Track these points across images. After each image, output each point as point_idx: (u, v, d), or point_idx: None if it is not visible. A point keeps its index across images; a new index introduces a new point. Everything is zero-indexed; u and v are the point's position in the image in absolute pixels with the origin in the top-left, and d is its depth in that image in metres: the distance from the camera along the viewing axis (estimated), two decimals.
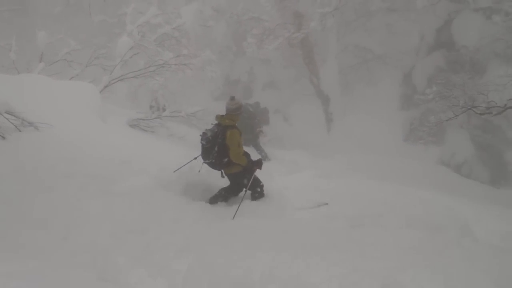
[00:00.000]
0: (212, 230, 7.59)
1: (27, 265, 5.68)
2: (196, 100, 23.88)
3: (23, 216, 6.93)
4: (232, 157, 9.57)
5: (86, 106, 11.88)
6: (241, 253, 6.64)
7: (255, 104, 23.74)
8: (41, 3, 32.18)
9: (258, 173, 10.03)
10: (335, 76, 27.17)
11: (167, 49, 16.27)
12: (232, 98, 9.89)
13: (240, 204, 9.23)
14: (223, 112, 9.82)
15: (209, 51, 17.51)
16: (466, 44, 23.09)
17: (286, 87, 30.21)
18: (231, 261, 6.43)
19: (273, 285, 6.06)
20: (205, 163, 9.73)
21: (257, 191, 10.02)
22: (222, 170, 9.87)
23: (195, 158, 10.31)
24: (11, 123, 8.98)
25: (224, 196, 9.97)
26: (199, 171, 10.10)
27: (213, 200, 9.81)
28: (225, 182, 10.09)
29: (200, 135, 9.64)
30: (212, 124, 9.84)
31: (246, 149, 10.24)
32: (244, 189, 9.68)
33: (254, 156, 10.82)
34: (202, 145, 9.55)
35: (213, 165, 9.70)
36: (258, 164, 9.95)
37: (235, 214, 8.88)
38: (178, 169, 10.08)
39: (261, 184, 10.11)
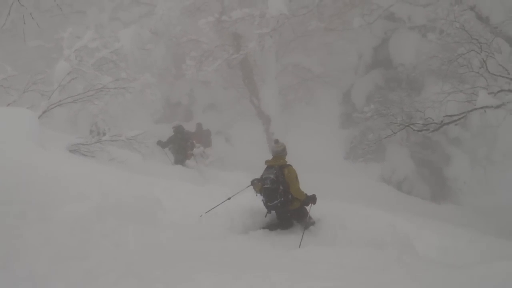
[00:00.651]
0: (155, 255, 7.53)
1: None
2: (137, 123, 23.74)
3: None
4: (294, 192, 10.35)
5: (24, 132, 11.69)
6: (182, 276, 6.61)
7: (197, 126, 23.78)
8: None
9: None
10: (275, 96, 27.34)
11: (106, 73, 16.14)
12: (277, 141, 11.04)
13: (304, 233, 9.84)
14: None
15: (149, 74, 17.48)
16: (403, 62, 23.54)
17: (227, 109, 30.36)
18: (172, 285, 6.40)
19: None
20: (271, 206, 10.37)
21: (307, 222, 10.51)
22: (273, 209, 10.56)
23: (229, 199, 10.87)
24: None
25: (275, 227, 10.56)
26: (265, 215, 10.73)
27: (272, 228, 10.51)
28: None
29: (255, 181, 10.68)
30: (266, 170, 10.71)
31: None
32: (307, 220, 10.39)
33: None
34: (266, 188, 10.26)
35: (281, 205, 10.33)
36: (313, 199, 10.53)
37: (300, 243, 9.50)
38: (209, 211, 10.50)
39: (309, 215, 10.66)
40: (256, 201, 10.87)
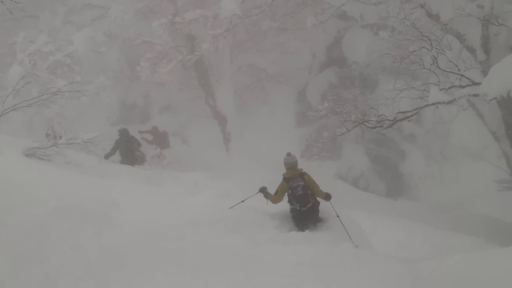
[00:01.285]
0: (113, 256, 7.55)
1: None
2: (93, 126, 23.64)
3: None
4: (318, 194, 11.48)
5: None
6: (139, 277, 6.65)
7: (153, 129, 23.73)
8: None
9: None
10: (231, 97, 27.38)
11: (60, 77, 16.02)
12: (289, 154, 11.91)
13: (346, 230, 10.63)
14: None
15: (103, 77, 17.36)
16: (356, 60, 23.75)
17: (183, 110, 30.30)
18: (129, 286, 6.44)
19: None
20: (305, 210, 11.27)
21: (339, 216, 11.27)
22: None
23: (243, 201, 11.52)
24: None
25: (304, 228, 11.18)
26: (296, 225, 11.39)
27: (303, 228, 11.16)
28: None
29: (290, 188, 11.39)
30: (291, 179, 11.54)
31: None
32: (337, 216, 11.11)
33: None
34: (300, 195, 11.25)
35: (312, 207, 11.39)
36: (330, 196, 11.50)
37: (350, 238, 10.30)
38: (233, 206, 11.26)
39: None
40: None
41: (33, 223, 8.06)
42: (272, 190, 11.66)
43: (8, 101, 14.94)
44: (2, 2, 8.20)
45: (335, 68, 25.85)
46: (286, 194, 11.57)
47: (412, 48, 14.91)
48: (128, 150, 19.06)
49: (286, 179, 11.61)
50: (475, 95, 13.64)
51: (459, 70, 14.35)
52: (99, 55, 25.41)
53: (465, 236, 13.46)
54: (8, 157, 11.99)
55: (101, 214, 9.43)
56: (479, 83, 13.30)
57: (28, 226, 7.93)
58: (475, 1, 15.67)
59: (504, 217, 19.69)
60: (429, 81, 15.91)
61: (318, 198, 11.52)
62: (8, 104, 14.94)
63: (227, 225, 10.22)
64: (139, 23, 25.98)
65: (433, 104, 13.91)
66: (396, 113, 14.49)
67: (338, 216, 11.10)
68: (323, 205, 11.55)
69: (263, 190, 11.79)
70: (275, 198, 11.69)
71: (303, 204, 11.29)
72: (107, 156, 18.33)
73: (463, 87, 14.06)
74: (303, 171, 11.80)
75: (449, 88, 14.50)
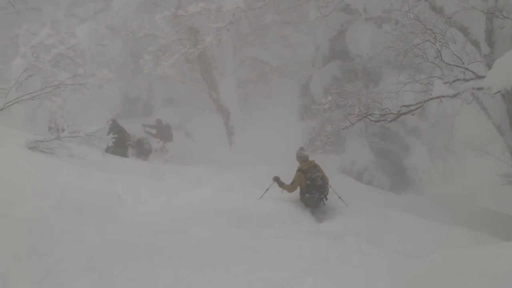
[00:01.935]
0: (116, 250, 7.54)
1: None
2: (96, 119, 23.61)
3: None
4: (328, 182, 13.11)
5: None
6: (143, 270, 6.64)
7: (156, 122, 23.73)
8: None
9: None
10: (234, 90, 27.36)
11: (63, 70, 15.98)
12: (302, 148, 13.38)
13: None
14: None
15: (106, 70, 17.31)
16: (359, 53, 23.66)
17: (186, 103, 30.28)
18: (132, 279, 6.43)
19: None
20: (323, 196, 12.86)
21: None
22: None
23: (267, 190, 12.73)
24: None
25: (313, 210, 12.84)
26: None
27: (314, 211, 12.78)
28: None
29: (309, 179, 12.68)
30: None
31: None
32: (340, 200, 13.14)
33: None
34: (320, 185, 12.69)
35: (325, 195, 12.95)
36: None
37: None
38: (262, 196, 12.35)
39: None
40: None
41: (36, 216, 8.05)
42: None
43: (11, 94, 14.91)
44: None
45: (338, 62, 25.76)
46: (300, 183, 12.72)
47: (416, 41, 14.82)
48: (120, 141, 19.05)
49: (303, 171, 12.76)
50: (479, 89, 13.56)
51: (463, 63, 14.28)
52: (102, 48, 25.40)
53: (469, 230, 13.39)
54: (11, 150, 11.98)
55: (104, 207, 9.43)
56: (483, 77, 13.23)
57: (31, 219, 7.92)
58: None
59: (508, 211, 19.63)
60: (433, 74, 15.84)
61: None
62: (11, 97, 14.91)
63: (230, 219, 10.22)
64: (142, 16, 25.88)
65: (437, 97, 13.84)
66: (400, 106, 14.43)
67: (340, 197, 13.05)
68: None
69: (277, 180, 12.92)
70: (291, 187, 12.79)
71: (322, 192, 12.75)
72: (108, 150, 18.42)
73: (467, 80, 14.00)
74: (316, 162, 13.15)
75: (453, 81, 14.43)
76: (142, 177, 14.39)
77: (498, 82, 12.03)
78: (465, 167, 28.78)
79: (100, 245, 7.65)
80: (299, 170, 12.90)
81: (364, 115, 14.64)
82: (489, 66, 14.20)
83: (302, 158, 13.14)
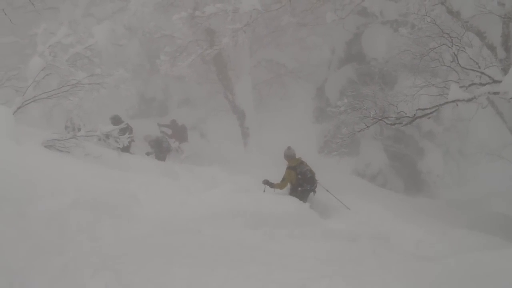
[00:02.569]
0: (131, 249, 7.58)
1: None
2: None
3: None
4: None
5: None
6: (158, 270, 6.67)
7: (172, 122, 23.81)
8: None
9: None
10: (250, 91, 27.36)
11: (80, 69, 16.04)
12: (289, 148, 14.59)
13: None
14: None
15: (123, 70, 17.37)
16: (375, 56, 23.63)
17: (202, 104, 30.32)
18: (148, 279, 6.46)
19: None
20: (313, 188, 14.22)
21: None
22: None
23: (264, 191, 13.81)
24: None
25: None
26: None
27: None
28: None
29: (299, 174, 13.97)
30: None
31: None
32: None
33: None
34: (310, 178, 14.06)
35: (315, 186, 14.32)
36: None
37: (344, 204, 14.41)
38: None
39: None
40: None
41: (53, 214, 8.11)
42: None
43: (28, 93, 15.00)
44: None
45: (354, 64, 25.74)
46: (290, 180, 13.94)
47: (432, 45, 14.81)
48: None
49: (293, 168, 13.99)
50: (495, 93, 13.51)
51: (479, 67, 14.24)
52: (119, 48, 25.53)
53: (483, 235, 13.37)
54: (28, 148, 12.05)
55: (120, 206, 9.48)
56: (499, 81, 13.20)
57: (48, 217, 7.98)
58: None
59: None
60: (449, 78, 15.83)
61: None
62: (28, 96, 14.99)
63: (245, 219, 10.27)
64: (159, 17, 25.95)
65: (453, 101, 13.81)
66: (416, 110, 14.42)
67: (327, 190, 14.65)
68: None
69: (267, 182, 14.12)
70: (282, 185, 14.03)
71: (312, 184, 14.12)
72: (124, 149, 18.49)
73: (483, 84, 13.95)
74: (302, 159, 14.38)
75: (469, 85, 14.39)
76: (158, 176, 14.46)
77: None
78: (479, 171, 28.66)
79: (116, 244, 7.70)
80: (288, 167, 14.10)
81: (379, 118, 14.62)
82: (505, 70, 14.18)
83: (290, 157, 14.39)
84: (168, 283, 6.42)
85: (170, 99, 30.74)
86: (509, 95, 12.33)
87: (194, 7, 24.21)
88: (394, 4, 22.48)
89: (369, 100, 15.45)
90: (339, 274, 6.93)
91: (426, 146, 25.82)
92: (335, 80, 25.79)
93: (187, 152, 23.41)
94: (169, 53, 24.24)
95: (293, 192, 13.94)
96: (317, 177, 14.35)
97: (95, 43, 16.77)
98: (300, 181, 13.93)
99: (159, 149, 20.23)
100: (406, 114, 14.52)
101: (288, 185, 14.06)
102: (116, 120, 19.47)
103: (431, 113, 14.47)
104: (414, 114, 14.37)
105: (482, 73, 14.13)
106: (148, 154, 20.08)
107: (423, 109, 14.38)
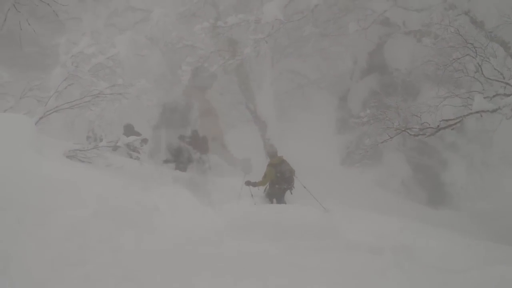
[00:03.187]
0: (153, 259, 7.53)
1: None
2: (134, 129, 23.72)
3: None
4: (294, 174, 15.00)
5: (21, 138, 11.67)
6: (180, 281, 6.62)
7: (193, 133, 23.80)
8: None
9: None
10: (271, 102, 27.30)
11: (102, 79, 16.08)
12: (272, 145, 16.20)
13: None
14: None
15: (145, 80, 17.40)
16: (398, 67, 23.58)
17: (223, 114, 30.27)
18: None
19: None
20: (290, 187, 14.82)
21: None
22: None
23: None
24: None
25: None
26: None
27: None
28: None
29: (279, 172, 14.70)
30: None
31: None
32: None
33: None
34: (288, 177, 14.72)
35: (292, 185, 14.93)
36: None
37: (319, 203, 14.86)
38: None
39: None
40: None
41: (74, 224, 8.08)
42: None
43: (51, 103, 15.03)
44: (48, 4, 8.27)
45: (376, 75, 25.70)
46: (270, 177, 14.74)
47: (455, 55, 14.69)
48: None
49: (274, 165, 14.78)
50: None
51: (503, 78, 14.11)
52: (140, 58, 25.61)
53: (508, 247, 13.22)
54: (50, 158, 12.05)
55: (141, 217, 9.44)
56: None
57: (69, 227, 7.95)
58: None
59: None
60: (473, 89, 15.69)
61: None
62: (50, 106, 15.03)
63: (266, 231, 10.18)
64: (181, 27, 26.00)
65: (477, 112, 13.70)
66: (439, 121, 14.30)
67: (305, 187, 14.97)
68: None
69: (249, 183, 15.18)
70: (263, 181, 14.97)
71: (290, 183, 14.76)
72: (166, 161, 18.68)
73: (508, 95, 13.83)
74: (284, 157, 15.03)
75: (493, 96, 14.26)
76: (179, 187, 14.42)
77: None
78: (503, 183, 28.38)
79: (137, 255, 7.65)
80: (269, 165, 14.95)
81: (403, 129, 14.53)
82: None
83: (272, 154, 15.36)
84: None
85: (192, 109, 30.74)
86: None
87: (216, 18, 24.27)
88: (417, 14, 22.40)
89: (392, 111, 15.35)
90: (363, 287, 6.84)
91: (449, 157, 25.67)
92: (358, 91, 25.75)
93: (208, 163, 23.37)
94: (190, 63, 24.24)
95: (271, 189, 14.90)
96: (296, 174, 14.99)
97: (117, 53, 16.79)
98: (278, 179, 14.68)
99: (180, 159, 20.21)
100: (429, 125, 14.42)
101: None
102: (128, 129, 19.52)
103: (455, 124, 14.35)
104: (438, 125, 14.26)
105: (507, 83, 14.00)
106: (166, 162, 20.07)
107: (446, 120, 14.27)
